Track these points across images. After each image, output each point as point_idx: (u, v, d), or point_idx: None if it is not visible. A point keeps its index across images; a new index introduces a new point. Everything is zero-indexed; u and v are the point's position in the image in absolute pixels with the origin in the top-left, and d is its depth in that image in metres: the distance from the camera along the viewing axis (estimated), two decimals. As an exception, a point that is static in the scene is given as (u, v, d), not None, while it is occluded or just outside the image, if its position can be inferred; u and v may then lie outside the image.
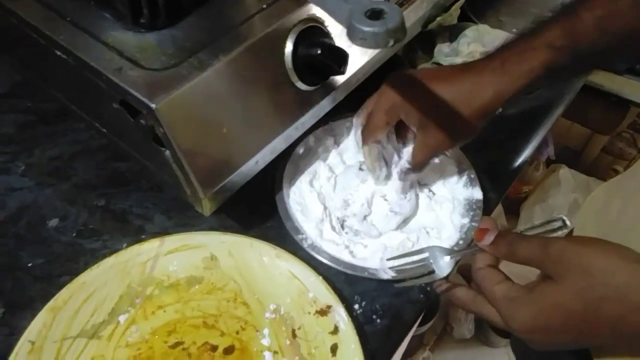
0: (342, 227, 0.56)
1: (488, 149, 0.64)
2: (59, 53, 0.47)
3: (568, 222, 0.43)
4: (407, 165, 0.54)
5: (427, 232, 0.56)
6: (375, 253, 0.54)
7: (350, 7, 0.29)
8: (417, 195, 0.58)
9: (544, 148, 1.22)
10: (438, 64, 0.71)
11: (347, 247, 0.54)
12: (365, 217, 0.56)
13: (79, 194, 0.56)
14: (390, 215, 0.55)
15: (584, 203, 0.61)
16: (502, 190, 0.62)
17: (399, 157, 0.55)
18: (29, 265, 0.51)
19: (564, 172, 1.45)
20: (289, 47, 0.50)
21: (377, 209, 0.55)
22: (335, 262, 0.51)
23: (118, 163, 0.60)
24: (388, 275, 0.51)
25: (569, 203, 1.37)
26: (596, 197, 0.58)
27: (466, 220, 0.55)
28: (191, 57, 0.45)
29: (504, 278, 0.40)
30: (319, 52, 0.49)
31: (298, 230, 0.53)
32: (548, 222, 0.43)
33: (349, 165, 0.59)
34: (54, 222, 0.54)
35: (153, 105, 0.40)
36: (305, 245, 0.52)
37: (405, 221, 0.57)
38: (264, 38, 0.48)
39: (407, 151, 0.54)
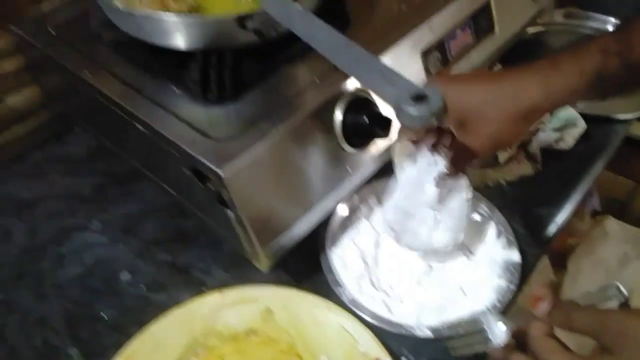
0: (379, 284, 0.59)
1: (529, 205, 0.66)
2: (137, 126, 0.53)
3: (624, 291, 0.41)
4: (444, 170, 0.51)
5: (464, 292, 0.57)
6: (412, 309, 0.56)
7: (397, 91, 0.34)
8: (465, 211, 0.56)
9: (588, 199, 1.22)
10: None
11: (384, 302, 0.56)
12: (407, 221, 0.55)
13: (147, 249, 0.62)
14: (434, 223, 0.54)
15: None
16: (543, 247, 0.63)
17: (436, 162, 0.52)
18: (104, 316, 0.56)
19: (611, 223, 1.42)
20: (338, 115, 0.55)
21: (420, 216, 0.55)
22: (373, 317, 0.54)
23: (181, 220, 0.65)
24: (424, 333, 0.53)
25: (619, 257, 1.34)
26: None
27: (504, 283, 0.56)
28: (253, 127, 0.50)
29: (562, 348, 0.39)
30: (365, 119, 0.54)
31: (338, 284, 0.57)
32: (603, 289, 0.42)
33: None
34: (125, 276, 0.59)
35: (222, 174, 0.46)
36: (345, 299, 0.55)
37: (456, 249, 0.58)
38: (316, 108, 0.53)
39: (445, 156, 0.51)
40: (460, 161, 0.50)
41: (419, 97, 0.33)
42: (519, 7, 0.79)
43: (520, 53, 0.80)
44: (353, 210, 0.64)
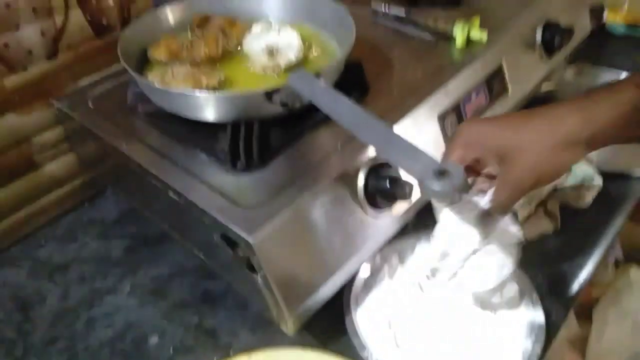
0: (404, 345, 0.59)
1: (551, 263, 0.67)
2: (170, 194, 0.56)
3: None
4: (486, 206, 0.50)
5: (489, 354, 0.57)
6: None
7: (420, 167, 0.36)
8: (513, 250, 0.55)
9: (610, 250, 1.21)
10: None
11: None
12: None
13: (175, 312, 0.63)
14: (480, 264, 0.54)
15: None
16: (568, 306, 0.63)
17: (478, 199, 0.51)
18: (134, 379, 0.57)
19: (636, 272, 1.40)
20: (360, 179, 0.57)
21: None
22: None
23: (209, 282, 0.67)
24: None
25: (646, 307, 1.31)
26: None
27: (529, 343, 0.56)
28: (280, 194, 0.53)
29: None
30: (387, 184, 0.56)
31: (364, 347, 0.57)
32: None
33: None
34: (154, 339, 0.61)
35: (251, 241, 0.48)
36: (370, 361, 0.56)
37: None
38: (339, 174, 0.56)
39: (488, 192, 0.50)
40: (504, 198, 0.48)
41: (441, 173, 0.35)
42: (530, 68, 0.82)
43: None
44: (376, 271, 0.65)
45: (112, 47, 0.72)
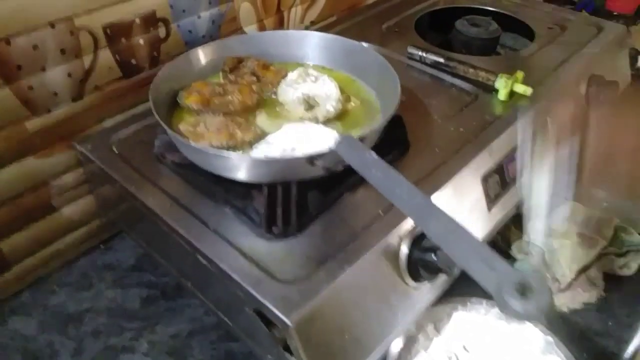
0: None
1: (594, 336, 0.63)
2: (200, 259, 0.52)
3: None
4: None
5: None
6: None
7: (496, 277, 0.32)
8: None
9: None
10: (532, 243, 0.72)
11: None
12: None
13: (195, 377, 0.59)
14: None
15: None
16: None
17: None
18: None
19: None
20: (403, 250, 0.53)
21: None
22: None
23: (230, 343, 0.63)
24: None
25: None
26: None
27: None
28: (320, 268, 0.49)
29: None
30: (433, 256, 0.52)
31: None
32: None
33: None
34: (173, 408, 0.57)
35: (291, 325, 0.44)
36: None
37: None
38: (382, 245, 0.52)
39: None
40: None
41: (524, 288, 0.31)
42: (575, 121, 0.78)
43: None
44: (410, 342, 0.61)
45: (139, 86, 0.69)
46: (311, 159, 0.50)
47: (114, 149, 0.64)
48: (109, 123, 0.68)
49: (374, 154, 0.46)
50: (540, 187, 0.72)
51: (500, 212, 0.67)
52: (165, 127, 0.53)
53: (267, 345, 0.52)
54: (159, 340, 0.63)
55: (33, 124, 0.60)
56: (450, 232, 0.37)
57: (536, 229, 0.74)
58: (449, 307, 0.62)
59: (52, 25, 0.56)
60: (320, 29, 0.90)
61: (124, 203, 0.64)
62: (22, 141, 0.59)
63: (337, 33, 0.91)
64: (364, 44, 0.75)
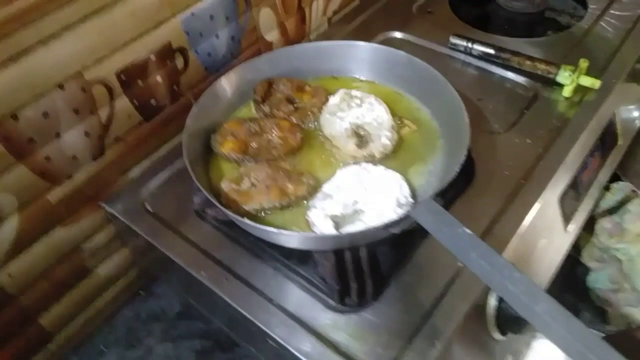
0: None
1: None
2: (269, 341, 0.47)
3: None
4: None
5: None
6: None
7: (580, 345, 0.28)
8: None
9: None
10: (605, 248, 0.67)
11: None
12: None
13: None
14: None
15: None
16: None
17: None
18: None
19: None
20: (491, 303, 0.48)
21: None
22: None
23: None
24: None
25: None
26: None
27: None
28: (408, 347, 0.44)
29: None
30: (523, 310, 0.47)
31: None
32: None
33: None
34: None
35: None
36: None
37: None
38: (471, 303, 0.46)
39: None
40: None
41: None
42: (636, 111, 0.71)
43: None
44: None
45: (162, 126, 0.61)
46: (387, 227, 0.44)
47: (147, 206, 0.57)
48: (135, 172, 0.61)
49: (466, 229, 0.39)
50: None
51: (577, 227, 0.61)
52: (213, 200, 0.47)
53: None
54: (223, 402, 0.60)
55: (55, 194, 0.53)
56: (556, 317, 0.32)
57: (604, 227, 0.69)
58: (528, 336, 0.58)
59: (61, 86, 0.48)
60: (344, 18, 0.80)
61: (166, 264, 0.59)
62: (46, 215, 0.53)
63: (363, 21, 0.82)
64: (409, 55, 0.61)
